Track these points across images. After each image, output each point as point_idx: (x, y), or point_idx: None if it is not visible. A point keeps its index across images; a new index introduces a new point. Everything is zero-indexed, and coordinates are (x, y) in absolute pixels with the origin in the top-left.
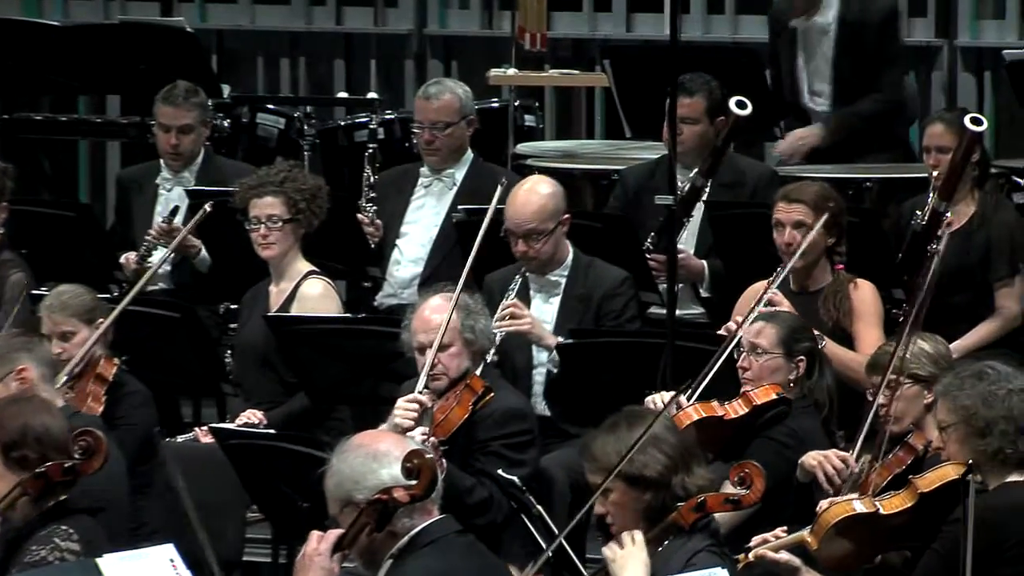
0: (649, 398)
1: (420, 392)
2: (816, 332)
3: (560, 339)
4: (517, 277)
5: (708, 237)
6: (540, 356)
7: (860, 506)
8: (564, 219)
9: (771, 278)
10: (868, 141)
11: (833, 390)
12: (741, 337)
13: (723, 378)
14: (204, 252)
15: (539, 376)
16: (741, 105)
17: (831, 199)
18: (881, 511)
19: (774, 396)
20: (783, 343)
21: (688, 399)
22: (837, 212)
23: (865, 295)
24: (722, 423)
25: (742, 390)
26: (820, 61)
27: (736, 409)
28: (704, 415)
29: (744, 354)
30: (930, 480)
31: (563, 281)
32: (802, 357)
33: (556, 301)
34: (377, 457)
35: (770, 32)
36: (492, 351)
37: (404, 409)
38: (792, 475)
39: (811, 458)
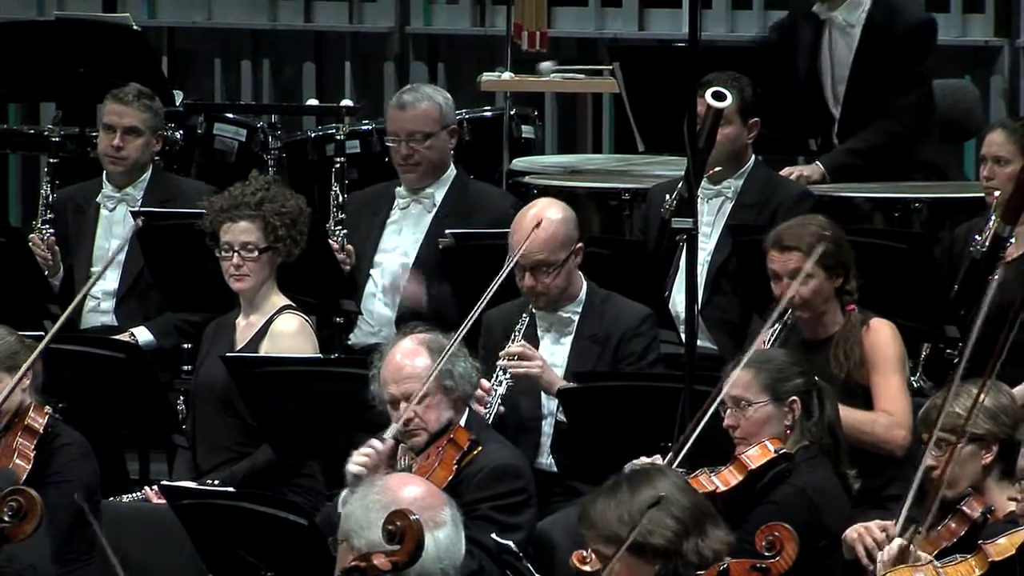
0: (627, 465)
1: (384, 438)
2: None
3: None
4: (524, 315)
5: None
6: (550, 404)
7: (921, 575)
8: (577, 248)
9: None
10: (883, 167)
11: (838, 426)
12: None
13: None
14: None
15: (548, 427)
16: (719, 97)
17: (824, 237)
18: None
19: (772, 454)
20: (769, 388)
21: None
22: (833, 250)
23: (878, 339)
24: (714, 498)
25: (735, 452)
26: (837, 65)
27: (728, 479)
28: None
29: (728, 411)
30: (1003, 547)
31: (576, 319)
32: (794, 398)
33: (568, 342)
34: (389, 508)
35: (788, 19)
36: (496, 407)
37: (359, 455)
38: (805, 537)
39: (852, 531)
